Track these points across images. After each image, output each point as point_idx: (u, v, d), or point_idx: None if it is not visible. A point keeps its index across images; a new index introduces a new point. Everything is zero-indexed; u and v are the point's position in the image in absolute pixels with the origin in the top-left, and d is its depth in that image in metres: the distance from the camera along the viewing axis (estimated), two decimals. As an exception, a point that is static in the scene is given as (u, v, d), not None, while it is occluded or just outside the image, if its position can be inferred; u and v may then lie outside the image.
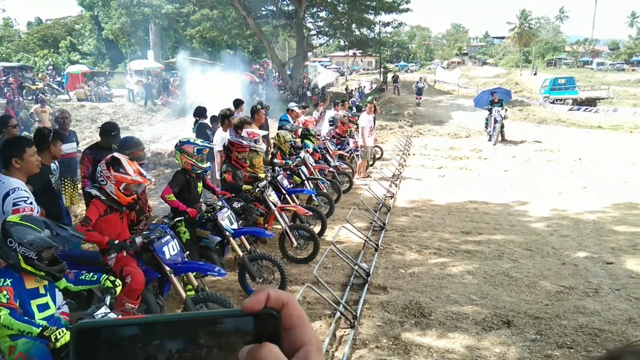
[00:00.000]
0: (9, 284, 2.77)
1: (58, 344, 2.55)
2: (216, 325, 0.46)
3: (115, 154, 4.14)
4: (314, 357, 0.46)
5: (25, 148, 3.73)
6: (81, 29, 50.89)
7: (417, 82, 27.02)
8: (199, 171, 5.09)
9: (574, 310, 4.60)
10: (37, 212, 3.70)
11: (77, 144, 7.27)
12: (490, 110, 15.93)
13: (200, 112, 9.29)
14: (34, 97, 22.61)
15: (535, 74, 45.80)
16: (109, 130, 5.61)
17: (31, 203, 3.61)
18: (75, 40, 50.06)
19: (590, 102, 25.97)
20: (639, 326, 4.26)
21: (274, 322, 0.47)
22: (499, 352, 3.93)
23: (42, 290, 2.98)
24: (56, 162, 5.63)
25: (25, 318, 2.71)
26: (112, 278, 3.24)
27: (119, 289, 3.24)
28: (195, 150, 4.98)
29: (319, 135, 10.45)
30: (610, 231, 7.19)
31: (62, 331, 2.58)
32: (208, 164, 5.30)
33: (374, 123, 16.08)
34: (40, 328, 2.61)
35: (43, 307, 2.95)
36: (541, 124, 21.06)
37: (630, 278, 5.40)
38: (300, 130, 9.53)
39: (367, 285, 5.23)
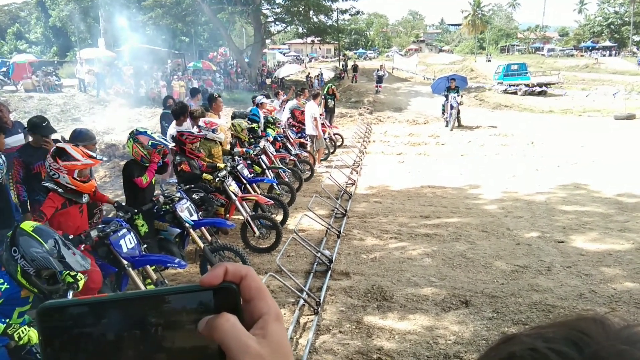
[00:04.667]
0: (3, 290, 2.71)
1: (21, 342, 2.56)
2: (176, 301, 0.47)
3: (58, 144, 4.02)
4: (272, 325, 0.47)
5: None
6: (27, 16, 48.46)
7: (377, 70, 27.19)
8: (147, 164, 4.94)
9: (528, 288, 4.79)
10: None
11: (26, 135, 6.86)
12: (446, 97, 16.24)
13: (164, 101, 9.14)
14: (-23, 89, 21.48)
15: (489, 61, 46.91)
16: (38, 123, 5.18)
17: None
18: (21, 28, 47.66)
19: (542, 87, 26.85)
20: (589, 301, 4.49)
21: (234, 295, 0.48)
22: (458, 330, 4.05)
23: (30, 299, 2.92)
24: (2, 156, 5.37)
25: None
26: (72, 273, 3.14)
27: (81, 283, 3.14)
28: (149, 143, 4.84)
29: (280, 123, 10.36)
30: (561, 211, 7.50)
31: (25, 329, 2.55)
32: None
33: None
34: (5, 325, 2.58)
35: (23, 314, 2.91)
36: (496, 109, 21.68)
37: (580, 255, 5.66)
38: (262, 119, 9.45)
39: (329, 271, 5.27)
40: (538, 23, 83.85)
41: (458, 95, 16.01)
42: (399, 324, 4.21)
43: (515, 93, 26.28)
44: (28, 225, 2.89)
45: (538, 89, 25.53)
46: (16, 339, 2.54)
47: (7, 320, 2.67)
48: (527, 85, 26.64)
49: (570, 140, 13.27)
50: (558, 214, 7.35)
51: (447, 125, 16.22)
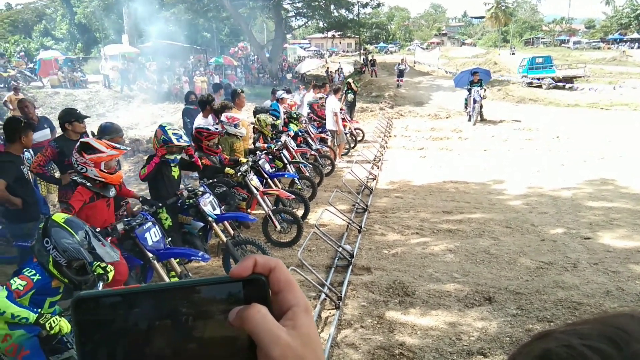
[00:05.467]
0: (35, 281, 2.78)
1: (52, 332, 2.63)
2: (207, 292, 0.47)
3: (82, 139, 4.10)
4: (301, 317, 0.48)
5: None
6: (52, 13, 49.45)
7: (399, 64, 26.95)
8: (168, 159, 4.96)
9: (553, 285, 4.71)
10: None
11: (53, 129, 6.99)
12: (469, 91, 16.01)
13: (186, 97, 9.34)
14: (6, 85, 22.00)
15: (513, 54, 46.03)
16: (72, 111, 5.42)
17: None
18: (48, 25, 48.66)
19: (568, 81, 26.26)
20: (616, 299, 4.39)
21: (263, 287, 0.48)
22: (481, 327, 4.01)
23: (60, 289, 3.00)
24: (31, 151, 5.51)
25: (26, 305, 2.73)
26: (102, 264, 3.21)
27: (111, 275, 3.20)
28: (161, 138, 4.88)
29: (302, 118, 10.36)
30: (587, 207, 7.35)
31: (57, 319, 2.62)
32: (174, 157, 4.98)
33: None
34: (37, 315, 2.64)
35: (54, 304, 2.99)
36: (520, 103, 21.29)
37: (607, 252, 5.54)
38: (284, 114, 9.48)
39: (351, 266, 5.27)
40: (564, 15, 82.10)
41: (481, 89, 15.76)
42: (421, 319, 4.18)
43: (540, 86, 25.75)
44: (59, 217, 2.96)
45: (568, 84, 24.87)
46: (47, 328, 2.62)
47: (39, 310, 2.74)
48: (552, 79, 26.09)
49: (597, 135, 12.96)
50: (584, 210, 7.20)
51: (469, 120, 16.00)
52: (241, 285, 0.48)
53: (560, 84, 25.27)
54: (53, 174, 5.34)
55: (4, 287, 2.74)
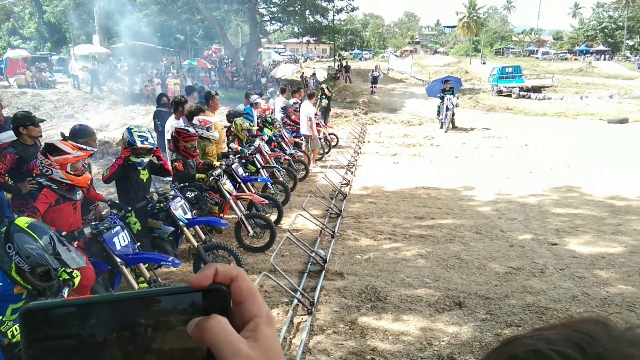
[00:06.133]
0: None
1: (14, 340, 2.54)
2: (165, 302, 0.46)
3: (47, 140, 4.00)
4: (263, 328, 0.46)
5: None
6: (21, 11, 48.10)
7: (373, 71, 27.19)
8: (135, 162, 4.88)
9: (522, 290, 4.80)
10: None
11: None
12: (442, 99, 16.28)
13: (158, 99, 9.20)
14: (-31, 84, 21.27)
15: (484, 63, 47.11)
16: (27, 114, 5.20)
17: None
18: (15, 23, 47.29)
19: (536, 90, 26.99)
20: (582, 304, 4.50)
21: (224, 297, 0.47)
22: (452, 332, 4.05)
23: (23, 296, 2.87)
24: (-5, 151, 5.31)
25: None
26: (68, 270, 3.10)
27: (77, 280, 3.10)
28: (127, 141, 4.79)
29: (276, 122, 10.32)
30: (554, 214, 7.53)
31: (17, 328, 2.51)
32: (140, 159, 4.88)
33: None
34: None
35: (16, 311, 2.84)
36: (490, 111, 21.76)
37: (573, 258, 5.69)
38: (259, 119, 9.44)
39: (324, 271, 5.26)
40: (533, 26, 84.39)
41: (454, 97, 16.05)
42: (393, 324, 4.20)
43: (509, 95, 26.40)
44: (23, 221, 2.86)
45: (535, 94, 25.55)
46: (9, 336, 2.51)
47: (1, 317, 2.64)
48: (521, 88, 26.78)
49: (564, 143, 13.34)
50: (551, 217, 7.38)
51: (441, 127, 16.26)
52: (201, 295, 0.46)
53: (528, 93, 25.96)
54: (9, 182, 5.13)
55: None
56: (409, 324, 4.20)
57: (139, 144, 4.72)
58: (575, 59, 55.03)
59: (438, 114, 16.97)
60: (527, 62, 46.58)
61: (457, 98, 16.76)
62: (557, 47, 72.83)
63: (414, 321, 4.25)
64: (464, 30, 64.72)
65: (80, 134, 5.14)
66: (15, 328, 2.55)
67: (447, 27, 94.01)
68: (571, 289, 4.82)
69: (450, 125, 16.08)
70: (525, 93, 25.96)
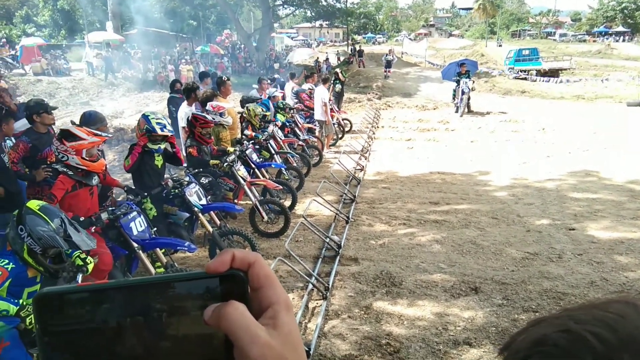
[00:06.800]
0: (9, 270, 2.71)
1: (30, 326, 2.59)
2: (181, 287, 0.45)
3: (62, 127, 4.03)
4: (282, 315, 0.45)
5: None
6: (35, -2, 48.34)
7: (386, 55, 26.86)
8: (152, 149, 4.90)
9: (539, 275, 4.75)
10: None
11: None
12: (458, 82, 16.05)
13: (171, 85, 9.27)
14: (-14, 72, 21.51)
15: (500, 46, 46.28)
16: (40, 101, 5.33)
17: None
18: (30, 11, 47.59)
19: (554, 73, 26.50)
20: (600, 289, 4.44)
21: (241, 283, 0.46)
22: (467, 317, 4.03)
23: (37, 279, 2.93)
24: (13, 139, 5.38)
25: (4, 296, 2.67)
26: (82, 255, 3.15)
27: (90, 266, 3.14)
28: (144, 127, 4.80)
29: (290, 108, 10.27)
30: (572, 198, 7.42)
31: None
32: (157, 146, 4.92)
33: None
34: (18, 307, 2.59)
35: (32, 295, 2.90)
36: (506, 95, 21.41)
37: (591, 243, 5.61)
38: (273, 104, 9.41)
39: (338, 257, 5.26)
40: (550, 7, 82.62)
41: (469, 80, 15.80)
42: (408, 309, 4.20)
43: (526, 79, 25.94)
44: (34, 204, 2.89)
45: (553, 77, 25.03)
46: (27, 323, 2.56)
47: (20, 301, 2.68)
48: (538, 71, 26.29)
49: (582, 127, 13.08)
50: (569, 201, 7.27)
51: (457, 111, 16.04)
52: (218, 281, 0.45)
53: (545, 76, 25.48)
54: (25, 170, 5.20)
55: None
56: (424, 309, 4.19)
57: (158, 131, 4.75)
58: (594, 41, 53.76)
59: (453, 98, 16.74)
60: (545, 45, 45.62)
61: (473, 82, 16.50)
62: (575, 28, 71.14)
63: (429, 306, 4.23)
64: (479, 12, 63.47)
65: (92, 121, 5.17)
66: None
67: (463, 9, 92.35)
68: (589, 274, 4.76)
69: (466, 110, 15.85)
70: (543, 76, 25.48)
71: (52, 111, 5.23)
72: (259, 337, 0.43)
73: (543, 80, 24.91)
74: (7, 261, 2.75)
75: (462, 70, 16.02)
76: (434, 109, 17.48)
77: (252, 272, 0.46)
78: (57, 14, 45.04)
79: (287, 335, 0.45)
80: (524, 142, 12.01)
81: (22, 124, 6.13)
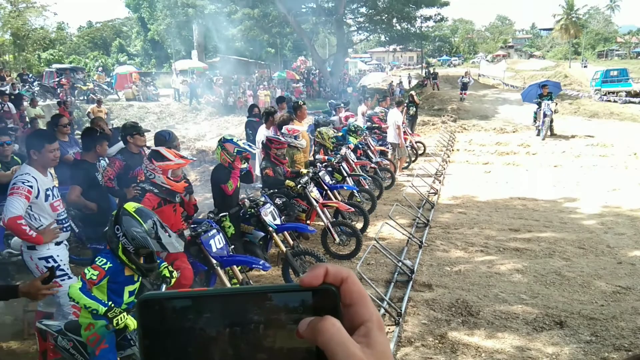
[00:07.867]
0: (106, 269, 2.93)
1: (118, 327, 2.75)
2: (276, 299, 0.45)
3: (153, 147, 4.32)
4: (375, 333, 0.45)
5: (44, 143, 3.73)
6: (128, 30, 52.70)
7: (462, 77, 26.29)
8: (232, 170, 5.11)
9: (632, 311, 4.37)
10: (54, 200, 3.79)
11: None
12: (539, 104, 15.36)
13: (249, 109, 9.73)
14: (85, 97, 23.57)
15: (585, 67, 43.87)
16: (135, 124, 5.73)
17: (30, 186, 3.56)
18: (123, 41, 51.91)
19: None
20: None
21: (333, 298, 0.46)
22: (551, 352, 3.77)
23: (135, 278, 3.14)
24: (107, 159, 5.82)
25: (94, 295, 2.86)
26: (170, 268, 3.34)
27: (173, 280, 3.31)
28: (235, 151, 5.02)
29: (362, 131, 10.29)
30: (671, 229, 6.78)
31: (124, 315, 2.74)
32: (245, 165, 5.26)
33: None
34: (106, 308, 2.76)
35: (133, 293, 3.13)
36: (593, 117, 20.15)
37: (694, 279, 5.08)
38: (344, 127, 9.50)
39: (411, 282, 5.14)
40: (641, 25, 77.33)
41: (552, 102, 15.06)
42: (486, 341, 3.99)
43: (615, 101, 24.28)
44: (131, 206, 3.12)
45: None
46: (114, 324, 2.73)
47: (110, 302, 2.86)
48: (628, 93, 24.53)
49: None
50: (668, 232, 6.65)
51: (538, 134, 15.29)
52: (311, 294, 0.45)
53: (636, 98, 23.71)
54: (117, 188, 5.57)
55: (79, 277, 2.92)
56: (504, 342, 3.97)
57: (250, 150, 5.09)
58: (693, 59, 49.55)
59: (534, 121, 16.00)
60: (635, 65, 42.64)
61: (556, 104, 15.69)
62: (670, 47, 65.99)
63: (509, 339, 4.01)
64: (561, 32, 60.80)
65: (165, 141, 5.44)
66: (122, 317, 2.76)
67: (544, 29, 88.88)
68: (694, 313, 4.30)
69: (549, 133, 15.07)
70: (633, 98, 23.73)
71: (144, 133, 5.61)
72: (355, 354, 0.42)
73: (634, 103, 23.20)
74: (105, 260, 2.96)
75: (544, 92, 15.30)
76: (514, 132, 16.80)
77: (345, 288, 0.46)
78: (147, 44, 48.71)
79: (381, 354, 0.44)
80: (613, 167, 11.20)
81: (115, 148, 6.61)
